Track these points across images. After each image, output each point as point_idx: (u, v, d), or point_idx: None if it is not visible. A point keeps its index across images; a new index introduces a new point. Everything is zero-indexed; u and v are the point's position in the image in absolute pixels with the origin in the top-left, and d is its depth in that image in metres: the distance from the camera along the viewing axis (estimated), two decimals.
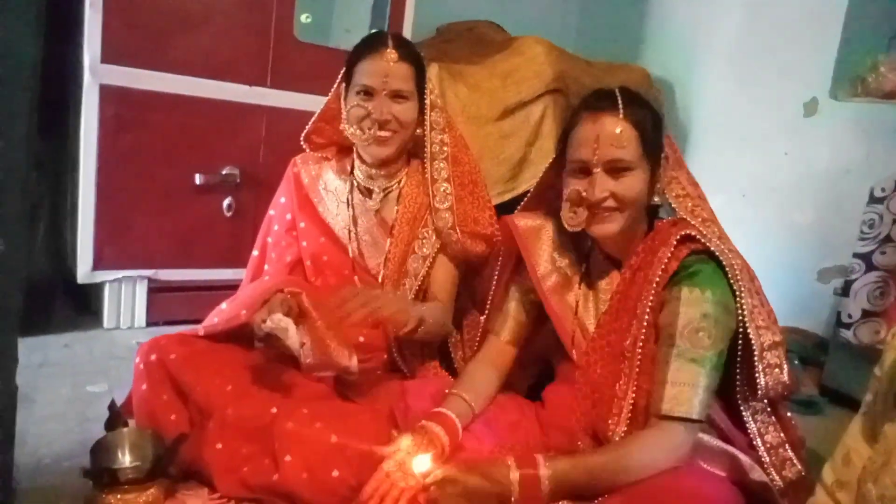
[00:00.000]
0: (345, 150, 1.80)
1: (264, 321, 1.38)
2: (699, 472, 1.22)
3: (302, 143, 1.79)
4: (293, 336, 1.39)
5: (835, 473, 1.03)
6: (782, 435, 1.36)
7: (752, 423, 1.34)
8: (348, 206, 1.74)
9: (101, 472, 1.30)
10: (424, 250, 1.70)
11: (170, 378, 1.47)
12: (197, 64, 2.32)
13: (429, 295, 1.70)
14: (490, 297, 1.67)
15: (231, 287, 1.83)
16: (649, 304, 1.29)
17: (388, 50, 1.60)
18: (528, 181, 2.87)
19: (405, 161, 1.76)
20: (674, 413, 1.20)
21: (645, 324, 1.29)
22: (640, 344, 1.28)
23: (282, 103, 2.47)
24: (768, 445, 1.34)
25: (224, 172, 2.43)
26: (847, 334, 2.37)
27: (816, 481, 1.07)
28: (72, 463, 1.49)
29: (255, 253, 1.81)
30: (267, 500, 1.38)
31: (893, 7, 2.96)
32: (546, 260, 1.50)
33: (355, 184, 1.76)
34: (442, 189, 1.69)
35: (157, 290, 2.45)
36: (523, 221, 1.55)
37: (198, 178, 2.38)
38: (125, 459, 1.37)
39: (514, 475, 1.16)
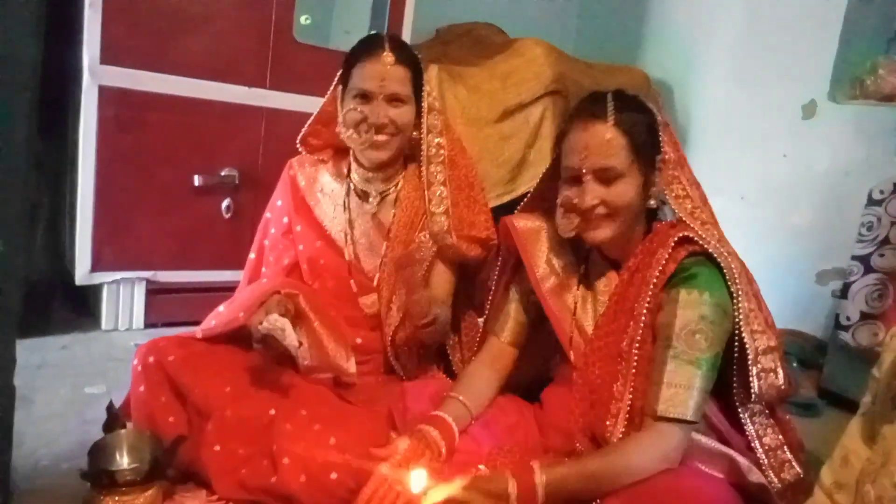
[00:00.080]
0: (341, 152, 1.78)
1: (261, 322, 1.38)
2: (698, 474, 1.22)
3: (298, 146, 1.78)
4: (291, 336, 1.39)
5: (833, 475, 1.04)
6: (781, 437, 1.36)
7: (750, 425, 1.34)
8: (345, 210, 1.73)
9: (100, 474, 1.30)
10: (422, 255, 1.68)
11: (168, 380, 1.47)
12: (196, 65, 2.32)
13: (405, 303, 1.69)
14: (490, 299, 1.67)
15: (230, 289, 1.82)
16: (647, 305, 1.29)
17: (385, 53, 1.58)
18: (528, 183, 2.87)
19: (402, 164, 1.75)
20: (669, 414, 1.20)
21: (642, 325, 1.29)
22: (638, 345, 1.28)
23: (281, 105, 2.47)
24: (767, 447, 1.34)
25: (223, 174, 2.42)
26: (845, 337, 2.37)
27: (815, 483, 1.07)
28: (70, 464, 1.49)
29: (251, 256, 1.81)
30: (265, 502, 1.38)
31: (892, 9, 2.96)
32: (545, 261, 1.49)
33: (352, 187, 1.74)
34: (438, 193, 1.68)
35: (155, 292, 2.44)
36: (522, 223, 1.55)
37: (197, 180, 2.38)
38: (123, 461, 1.37)
39: (512, 487, 1.16)
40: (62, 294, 2.58)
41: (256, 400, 1.46)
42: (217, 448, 1.40)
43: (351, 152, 1.72)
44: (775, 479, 1.32)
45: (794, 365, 2.56)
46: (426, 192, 1.68)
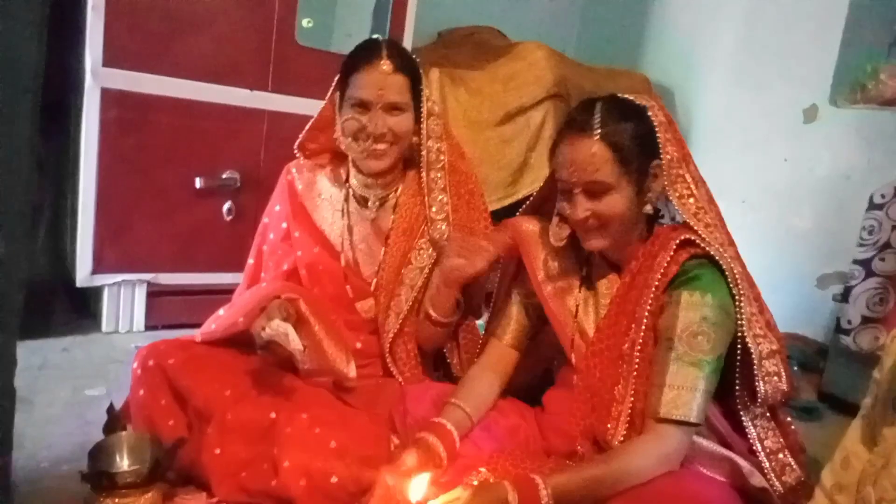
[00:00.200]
0: (339, 156, 1.76)
1: (264, 328, 1.37)
2: (700, 477, 1.22)
3: (296, 151, 1.77)
4: (295, 341, 1.38)
5: (834, 477, 1.04)
6: (782, 440, 1.36)
7: (751, 428, 1.34)
8: (343, 215, 1.72)
9: (100, 476, 1.30)
10: (422, 262, 1.67)
11: (168, 383, 1.47)
12: (198, 68, 2.32)
13: (424, 305, 1.68)
14: (492, 301, 1.67)
15: (230, 291, 1.82)
16: (648, 307, 1.29)
17: (383, 61, 1.55)
18: (529, 186, 2.88)
19: (401, 170, 1.73)
20: (671, 416, 1.20)
21: (644, 327, 1.29)
22: (639, 348, 1.28)
23: (283, 107, 2.48)
24: (768, 451, 1.34)
25: (224, 176, 2.43)
26: (846, 340, 2.37)
27: (816, 486, 1.07)
28: (70, 466, 1.49)
29: (250, 261, 1.79)
30: None
31: (893, 14, 2.97)
32: (546, 264, 1.49)
33: (351, 192, 1.73)
34: (438, 199, 1.67)
35: (156, 294, 2.45)
36: (524, 225, 1.54)
37: (198, 182, 2.38)
38: (124, 463, 1.37)
39: (512, 497, 1.15)
40: (63, 296, 2.58)
41: (257, 403, 1.46)
42: (217, 451, 1.40)
43: (349, 158, 1.71)
44: (777, 483, 1.32)
45: (795, 368, 2.56)
46: (426, 199, 1.67)
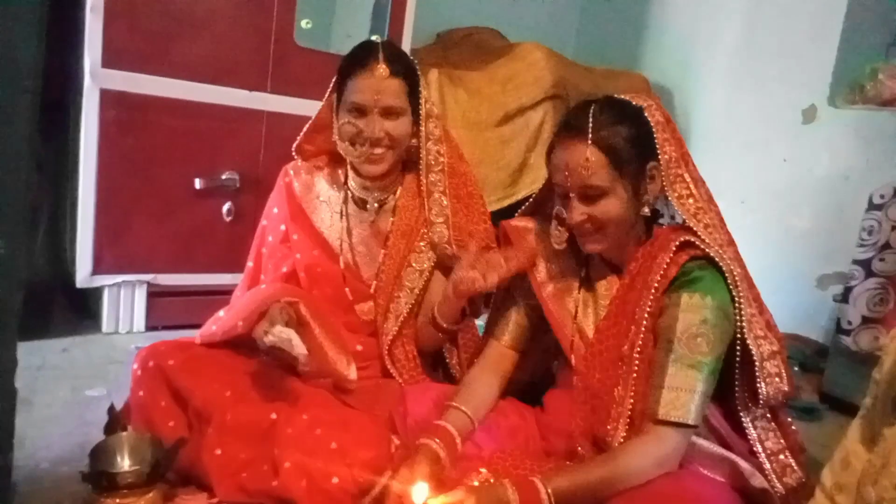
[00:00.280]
0: (337, 158, 1.75)
1: (267, 332, 1.37)
2: (700, 477, 1.22)
3: (293, 153, 1.76)
4: (298, 346, 1.37)
5: (834, 476, 1.04)
6: (782, 441, 1.36)
7: (752, 429, 1.34)
8: (342, 217, 1.71)
9: (100, 476, 1.30)
10: (422, 264, 1.67)
11: (168, 384, 1.47)
12: (197, 69, 2.33)
13: (424, 307, 1.68)
14: (491, 301, 1.67)
15: (230, 292, 1.82)
16: (648, 309, 1.28)
17: (379, 65, 1.54)
18: (528, 186, 2.89)
19: (400, 172, 1.72)
20: (670, 418, 1.20)
21: (643, 329, 1.29)
22: (639, 349, 1.28)
23: (282, 108, 2.48)
24: (769, 452, 1.34)
25: (224, 177, 2.43)
26: (847, 341, 2.37)
27: (816, 486, 1.07)
28: (70, 467, 1.49)
29: (249, 264, 1.78)
30: None
31: (892, 14, 2.97)
32: (545, 265, 1.49)
33: (349, 194, 1.73)
34: (437, 202, 1.66)
35: (156, 295, 2.45)
36: (523, 226, 1.54)
37: (197, 183, 2.38)
38: (124, 463, 1.37)
39: (514, 499, 1.15)
40: (63, 296, 2.58)
41: (257, 404, 1.46)
42: (218, 452, 1.39)
43: (348, 160, 1.70)
44: (778, 484, 1.32)
45: (796, 369, 2.57)
46: (426, 202, 1.66)
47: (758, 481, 1.27)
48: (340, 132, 1.59)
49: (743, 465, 1.27)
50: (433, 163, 1.67)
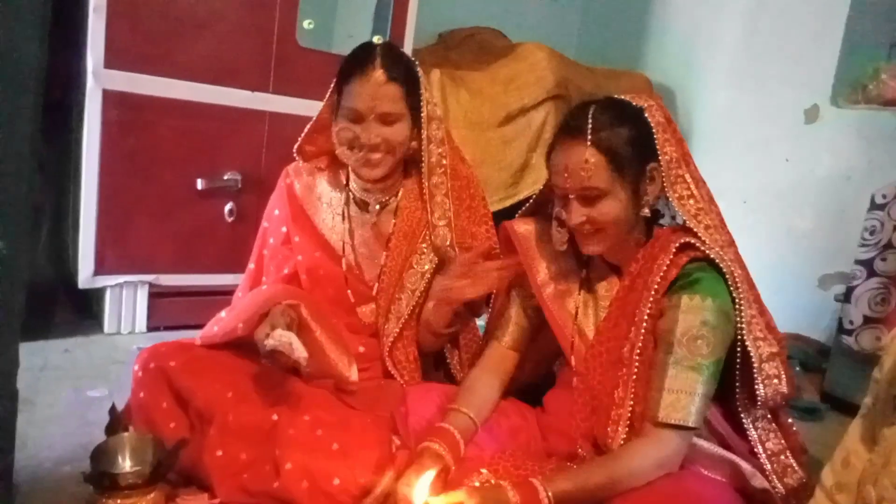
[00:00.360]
0: (338, 158, 1.72)
1: (268, 336, 1.37)
2: (701, 478, 1.22)
3: (295, 154, 1.76)
4: (299, 349, 1.37)
5: (834, 476, 1.03)
6: (783, 442, 1.36)
7: (752, 430, 1.34)
8: (344, 219, 1.71)
9: (102, 477, 1.30)
10: (424, 266, 1.66)
11: (169, 385, 1.46)
12: (199, 69, 2.33)
13: (425, 309, 1.67)
14: (492, 302, 1.67)
15: (232, 292, 1.82)
16: (648, 311, 1.28)
17: (376, 71, 1.52)
18: (530, 187, 2.89)
19: (402, 174, 1.71)
20: (670, 420, 1.20)
21: (643, 331, 1.28)
22: (639, 351, 1.28)
23: (284, 109, 2.48)
24: (770, 452, 1.33)
25: (226, 177, 2.43)
26: (848, 341, 2.37)
27: (817, 486, 1.07)
28: (72, 467, 1.49)
29: (251, 266, 1.78)
30: None
31: (894, 14, 2.97)
32: (546, 266, 1.49)
33: (351, 196, 1.72)
34: (440, 205, 1.66)
35: (158, 295, 2.45)
36: (524, 227, 1.54)
37: (199, 183, 2.38)
38: (126, 464, 1.37)
39: (514, 500, 1.15)
40: (65, 297, 2.58)
41: (259, 405, 1.45)
42: (219, 453, 1.39)
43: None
44: (779, 484, 1.31)
45: (797, 369, 2.56)
46: (428, 204, 1.65)
47: (759, 482, 1.27)
48: (338, 137, 1.59)
49: (744, 465, 1.27)
50: (435, 165, 1.66)
